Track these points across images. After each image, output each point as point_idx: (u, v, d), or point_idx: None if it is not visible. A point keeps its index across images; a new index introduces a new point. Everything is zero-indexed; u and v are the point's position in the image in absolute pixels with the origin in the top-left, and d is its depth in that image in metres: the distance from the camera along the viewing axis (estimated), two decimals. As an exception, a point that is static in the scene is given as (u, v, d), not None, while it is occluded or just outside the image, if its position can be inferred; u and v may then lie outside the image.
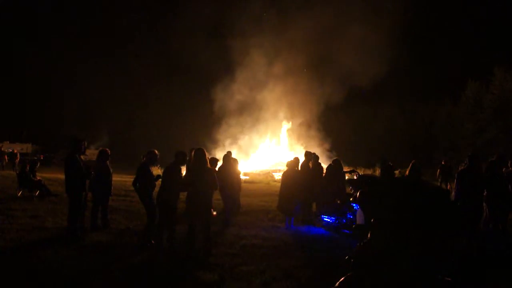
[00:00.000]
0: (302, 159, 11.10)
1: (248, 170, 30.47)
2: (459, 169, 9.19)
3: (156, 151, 8.20)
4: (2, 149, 31.53)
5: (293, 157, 10.97)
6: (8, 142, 48.49)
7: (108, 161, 9.28)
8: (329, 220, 9.92)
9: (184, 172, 7.82)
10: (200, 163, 7.00)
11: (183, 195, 7.08)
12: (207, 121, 45.35)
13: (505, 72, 42.43)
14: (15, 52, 68.70)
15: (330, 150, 36.76)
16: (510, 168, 9.28)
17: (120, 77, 63.24)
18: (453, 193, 8.41)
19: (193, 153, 7.46)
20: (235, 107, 40.62)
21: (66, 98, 65.55)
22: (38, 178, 13.70)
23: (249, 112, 41.29)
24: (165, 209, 7.31)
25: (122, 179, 14.92)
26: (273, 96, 41.37)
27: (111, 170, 9.33)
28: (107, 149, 9.38)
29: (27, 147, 50.07)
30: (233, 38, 41.15)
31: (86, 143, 8.26)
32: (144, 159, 8.29)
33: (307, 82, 40.76)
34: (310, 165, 11.02)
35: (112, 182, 9.46)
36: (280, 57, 41.24)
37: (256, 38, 40.40)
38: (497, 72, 43.11)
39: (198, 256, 6.85)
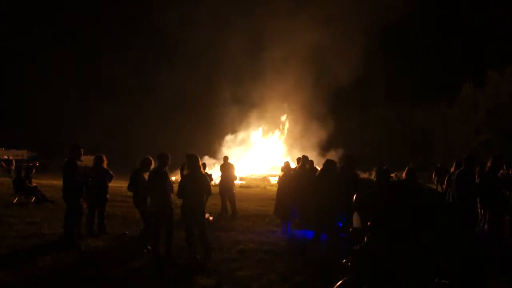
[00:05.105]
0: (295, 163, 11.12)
1: (244, 175, 30.46)
2: (451, 171, 9.21)
3: (151, 158, 8.21)
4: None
5: (284, 162, 11.00)
6: (3, 148, 48.33)
7: (105, 166, 9.28)
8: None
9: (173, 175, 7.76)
10: (194, 169, 6.97)
11: (179, 201, 7.07)
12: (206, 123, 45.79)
13: (499, 74, 42.67)
14: (13, 56, 68.57)
15: (326, 154, 36.80)
16: (506, 171, 9.30)
17: (117, 80, 63.31)
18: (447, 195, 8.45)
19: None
20: (234, 108, 40.93)
21: (63, 104, 65.55)
22: (34, 184, 13.65)
23: (246, 114, 41.56)
24: (159, 215, 7.28)
25: (117, 185, 14.92)
26: (270, 98, 41.59)
27: (108, 176, 9.33)
28: (103, 155, 9.37)
29: (23, 154, 49.89)
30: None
31: (83, 150, 8.25)
32: (138, 165, 8.27)
33: (305, 84, 40.88)
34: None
35: (108, 188, 9.47)
36: (276, 61, 41.48)
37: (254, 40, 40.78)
38: (491, 74, 43.34)
39: (197, 261, 6.84)
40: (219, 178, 13.57)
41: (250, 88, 41.23)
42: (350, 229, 5.69)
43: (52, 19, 77.49)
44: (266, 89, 41.66)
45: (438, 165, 19.74)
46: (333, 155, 35.48)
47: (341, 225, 9.55)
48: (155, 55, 70.63)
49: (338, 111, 46.83)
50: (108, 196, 9.42)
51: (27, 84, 66.77)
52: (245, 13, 44.52)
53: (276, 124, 42.86)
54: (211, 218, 10.84)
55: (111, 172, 9.37)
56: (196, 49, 51.24)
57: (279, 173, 11.45)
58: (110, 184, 9.50)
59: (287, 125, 42.68)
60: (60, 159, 18.74)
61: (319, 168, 11.88)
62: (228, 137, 39.73)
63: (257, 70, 41.93)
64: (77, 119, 65.21)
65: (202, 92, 51.03)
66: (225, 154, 15.05)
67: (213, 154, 34.40)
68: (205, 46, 50.01)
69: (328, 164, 8.77)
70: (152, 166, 8.13)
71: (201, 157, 7.55)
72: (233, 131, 40.42)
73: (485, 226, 8.47)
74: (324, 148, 37.92)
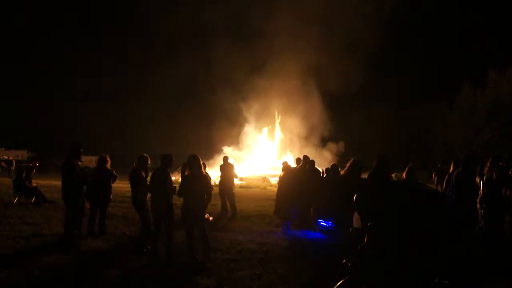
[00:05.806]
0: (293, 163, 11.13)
1: (244, 175, 30.45)
2: (450, 171, 9.17)
3: (146, 155, 8.20)
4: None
5: (283, 162, 10.96)
6: (3, 148, 48.39)
7: (109, 167, 9.27)
8: (325, 224, 9.92)
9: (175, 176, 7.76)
10: (194, 169, 6.97)
11: (179, 201, 7.08)
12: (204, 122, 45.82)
13: (499, 74, 42.65)
14: (12, 57, 68.65)
15: (324, 154, 36.82)
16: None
17: (116, 81, 63.41)
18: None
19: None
20: (232, 108, 40.99)
21: (62, 105, 65.65)
22: (34, 185, 13.66)
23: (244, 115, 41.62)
24: (159, 215, 7.29)
25: (117, 185, 14.90)
26: (268, 98, 41.60)
27: (111, 177, 9.33)
28: (107, 156, 9.35)
29: (23, 154, 49.94)
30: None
31: (82, 150, 8.24)
32: (135, 164, 8.27)
33: (303, 84, 40.88)
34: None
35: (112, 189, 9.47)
36: (273, 57, 41.54)
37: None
38: (491, 74, 43.34)
39: (197, 262, 6.84)
40: (219, 178, 13.55)
41: (250, 83, 41.32)
42: (350, 229, 5.70)
43: (50, 19, 77.64)
44: (266, 87, 41.72)
45: (439, 165, 19.78)
46: (333, 149, 35.65)
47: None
48: (154, 53, 70.82)
49: (338, 111, 46.88)
50: (111, 196, 9.40)
51: (27, 84, 66.87)
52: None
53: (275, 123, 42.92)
54: (211, 218, 10.85)
55: (114, 173, 9.36)
56: (196, 45, 51.49)
57: (280, 173, 11.45)
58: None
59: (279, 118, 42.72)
60: (60, 160, 18.76)
61: (319, 168, 11.91)
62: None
63: (256, 67, 41.99)
64: (77, 119, 65.31)
65: (202, 88, 51.14)
66: (231, 152, 15.07)
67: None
68: (205, 43, 50.19)
69: (354, 164, 8.76)
70: (149, 163, 8.16)
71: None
72: (240, 124, 40.59)
73: (484, 227, 8.45)
74: (324, 147, 38.05)
